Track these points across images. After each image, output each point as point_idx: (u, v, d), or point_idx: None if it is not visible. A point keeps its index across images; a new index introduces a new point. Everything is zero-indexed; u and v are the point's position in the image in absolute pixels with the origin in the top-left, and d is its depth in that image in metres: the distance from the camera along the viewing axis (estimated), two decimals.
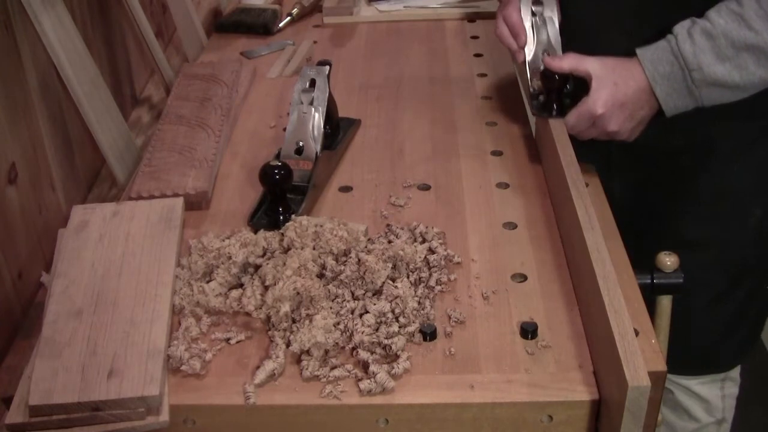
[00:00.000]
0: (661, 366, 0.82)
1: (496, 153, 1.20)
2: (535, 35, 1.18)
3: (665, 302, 1.03)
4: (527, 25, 1.18)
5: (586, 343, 0.86)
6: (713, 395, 1.38)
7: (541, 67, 1.14)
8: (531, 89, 1.17)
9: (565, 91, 1.14)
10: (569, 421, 0.81)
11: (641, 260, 0.98)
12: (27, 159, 1.06)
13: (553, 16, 1.18)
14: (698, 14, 1.02)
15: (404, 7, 1.73)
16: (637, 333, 0.82)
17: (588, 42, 1.12)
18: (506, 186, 1.12)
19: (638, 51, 1.04)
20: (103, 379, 0.80)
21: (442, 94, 1.37)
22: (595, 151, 1.15)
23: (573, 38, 1.17)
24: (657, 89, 1.02)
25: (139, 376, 0.81)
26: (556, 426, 0.81)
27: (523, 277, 0.96)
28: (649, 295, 0.96)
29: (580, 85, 1.09)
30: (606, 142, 1.11)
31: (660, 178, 1.24)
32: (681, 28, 1.01)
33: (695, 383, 1.37)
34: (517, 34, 1.17)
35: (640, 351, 0.75)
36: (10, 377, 0.89)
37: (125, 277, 0.93)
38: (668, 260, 0.99)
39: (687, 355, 1.27)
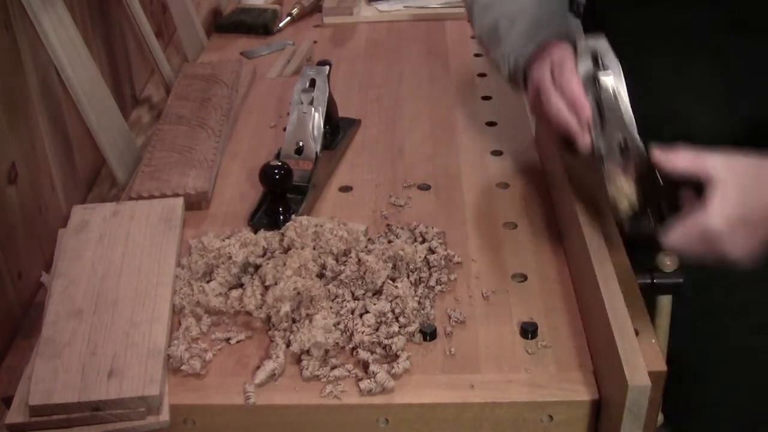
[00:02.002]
0: (661, 366, 0.81)
1: (496, 153, 1.20)
2: (603, 115, 0.87)
3: (665, 302, 1.03)
4: (590, 100, 0.87)
5: (586, 343, 0.86)
6: None
7: (619, 160, 0.85)
8: (615, 194, 0.85)
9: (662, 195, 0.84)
10: (569, 421, 0.81)
11: (641, 260, 0.97)
12: (27, 159, 1.06)
13: (620, 84, 0.87)
14: None
15: (404, 7, 1.73)
16: (637, 333, 0.82)
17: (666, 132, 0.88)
18: (506, 186, 1.12)
19: None
20: (103, 379, 0.80)
21: (442, 94, 1.38)
22: None
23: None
24: None
25: (139, 376, 0.81)
26: (556, 426, 0.81)
27: (523, 277, 0.96)
28: (649, 295, 0.96)
29: (682, 188, 0.82)
30: None
31: None
32: None
33: None
34: (581, 108, 0.86)
35: (640, 351, 0.75)
36: (10, 377, 0.89)
37: (125, 277, 0.93)
38: (668, 260, 0.99)
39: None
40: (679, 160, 0.80)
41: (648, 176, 0.83)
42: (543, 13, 1.01)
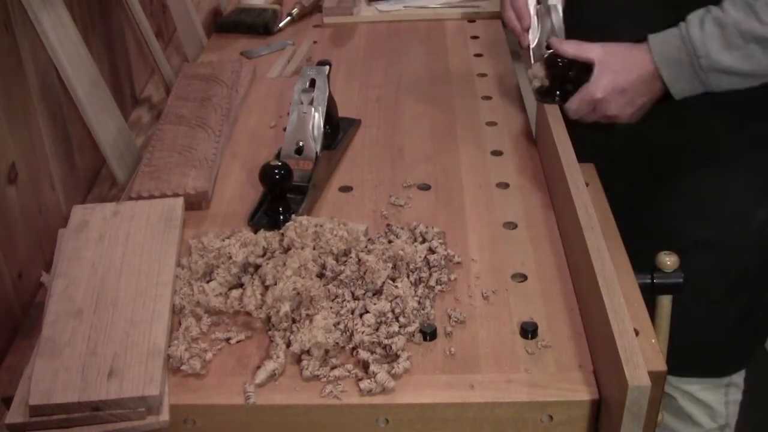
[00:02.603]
0: (661, 366, 0.81)
1: (496, 153, 1.20)
2: (540, 23, 1.22)
3: (665, 302, 1.03)
4: (531, 11, 1.22)
5: (586, 343, 0.86)
6: (717, 401, 1.37)
7: (545, 54, 1.17)
8: (533, 76, 1.19)
9: (567, 78, 1.16)
10: (569, 421, 0.81)
11: (641, 260, 0.97)
12: (27, 159, 1.06)
13: (557, 3, 1.20)
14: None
15: (404, 7, 1.73)
16: (637, 333, 0.82)
17: (599, 36, 1.13)
18: (506, 186, 1.12)
19: (650, 36, 1.06)
20: (103, 379, 0.80)
21: (442, 94, 1.37)
22: (595, 151, 1.15)
23: (583, 31, 1.17)
24: (664, 72, 1.05)
25: (139, 376, 0.80)
26: (556, 426, 0.81)
27: (523, 277, 0.96)
28: (649, 295, 0.96)
29: (583, 72, 1.11)
30: (606, 141, 1.11)
31: (661, 178, 1.24)
32: (694, 16, 1.03)
33: (698, 389, 1.36)
34: (522, 16, 1.22)
35: (640, 351, 0.75)
36: (10, 377, 0.89)
37: (125, 277, 0.93)
38: (668, 260, 0.99)
39: (690, 357, 1.26)
40: (568, 46, 1.12)
41: (549, 59, 1.16)
42: None
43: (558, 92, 1.16)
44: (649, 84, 1.07)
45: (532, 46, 1.22)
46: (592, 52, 1.09)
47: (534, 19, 1.22)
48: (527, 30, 1.22)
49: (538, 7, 1.23)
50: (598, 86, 1.08)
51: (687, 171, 1.21)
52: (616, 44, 1.09)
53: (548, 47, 1.18)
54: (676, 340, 1.05)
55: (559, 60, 1.14)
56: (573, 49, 1.12)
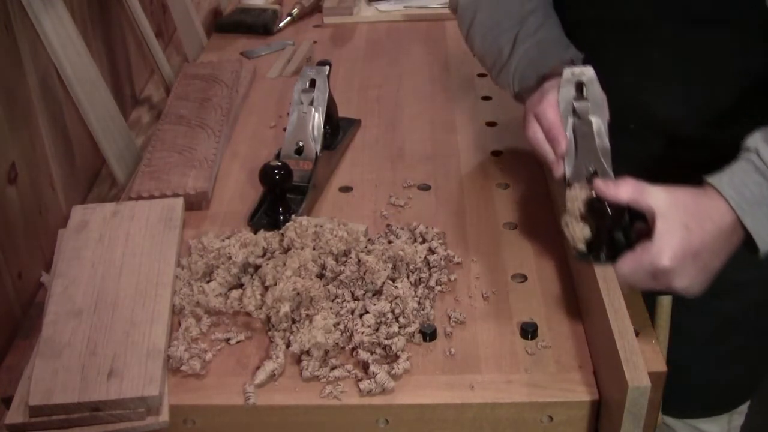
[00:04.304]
0: (661, 366, 0.81)
1: (496, 153, 1.20)
2: (577, 144, 0.90)
3: (665, 302, 1.03)
4: (568, 129, 0.91)
5: (586, 343, 0.86)
6: (720, 429, 1.29)
7: (584, 194, 0.86)
8: (571, 232, 0.87)
9: (617, 224, 0.86)
10: (569, 422, 0.81)
11: None
12: (27, 159, 1.06)
13: (601, 118, 0.90)
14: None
15: (404, 7, 1.73)
16: (637, 333, 0.82)
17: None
18: (506, 186, 1.12)
19: (711, 179, 0.83)
20: (103, 379, 0.80)
21: (442, 94, 1.37)
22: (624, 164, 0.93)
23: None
24: (747, 220, 0.81)
25: (139, 377, 0.80)
26: (556, 426, 0.81)
27: (523, 277, 0.96)
28: (649, 295, 0.96)
29: (637, 217, 0.85)
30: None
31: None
32: (756, 141, 0.83)
33: (700, 421, 1.28)
34: (555, 138, 0.90)
35: (640, 351, 0.75)
36: (10, 377, 0.89)
37: (125, 277, 0.93)
38: None
39: (691, 398, 1.18)
40: (622, 190, 0.83)
41: (594, 204, 0.85)
42: (546, 36, 1.04)
43: (605, 248, 0.85)
44: (728, 239, 0.82)
45: (568, 175, 0.90)
46: (654, 199, 0.81)
47: (570, 137, 0.90)
48: (563, 158, 0.90)
49: (575, 121, 0.91)
50: (665, 250, 0.79)
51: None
52: (681, 189, 0.82)
53: (590, 179, 0.88)
54: (675, 382, 0.91)
55: (608, 209, 0.84)
56: (627, 193, 0.82)
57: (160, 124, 1.26)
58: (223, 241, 0.98)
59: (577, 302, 0.91)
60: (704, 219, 0.80)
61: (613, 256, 0.83)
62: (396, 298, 0.88)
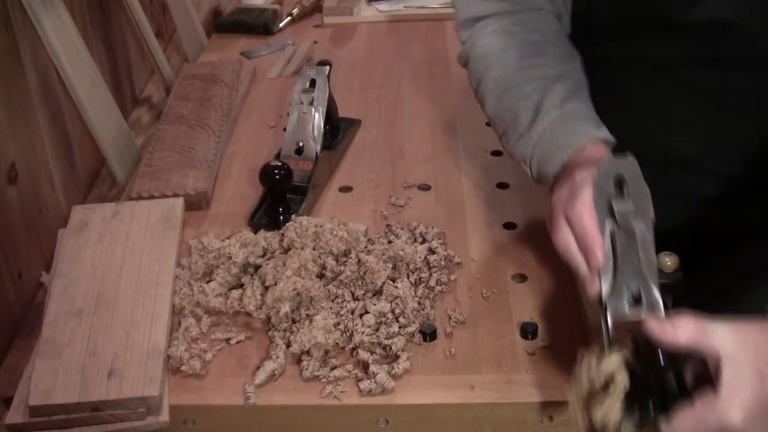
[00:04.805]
0: None
1: (496, 153, 1.20)
2: (617, 256, 0.74)
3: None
4: (606, 237, 0.75)
5: (586, 344, 0.86)
6: None
7: (628, 329, 0.70)
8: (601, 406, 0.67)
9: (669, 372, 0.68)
10: (569, 422, 0.81)
11: None
12: (27, 159, 1.06)
13: (645, 224, 0.74)
14: None
15: (404, 7, 1.73)
16: None
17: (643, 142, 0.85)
18: (506, 186, 1.12)
19: None
20: (103, 379, 0.80)
21: (442, 94, 1.37)
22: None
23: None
24: None
25: (139, 376, 0.80)
26: (557, 426, 0.81)
27: (523, 277, 0.96)
28: None
29: (690, 359, 0.68)
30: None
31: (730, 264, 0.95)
32: None
33: None
34: (590, 248, 0.75)
35: None
36: (10, 377, 0.89)
37: (125, 277, 0.93)
38: (668, 260, 0.98)
39: None
40: (680, 332, 0.67)
41: (648, 350, 0.67)
42: (574, 109, 0.90)
43: (651, 401, 0.67)
44: None
45: (604, 295, 0.74)
46: (719, 339, 0.66)
47: (608, 247, 0.74)
48: (598, 272, 0.75)
49: (614, 227, 0.75)
50: (734, 405, 0.64)
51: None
52: (749, 326, 0.68)
53: (635, 316, 0.71)
54: None
55: (660, 354, 0.66)
56: (689, 336, 0.66)
57: (160, 124, 1.26)
58: (223, 241, 0.98)
59: (577, 302, 0.91)
60: None
61: (664, 407, 0.66)
62: (396, 298, 0.88)
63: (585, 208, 0.76)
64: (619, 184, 0.76)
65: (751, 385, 0.65)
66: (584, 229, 0.75)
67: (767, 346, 0.66)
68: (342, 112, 1.25)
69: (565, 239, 0.78)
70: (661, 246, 0.75)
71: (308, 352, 0.84)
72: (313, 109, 1.13)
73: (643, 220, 0.75)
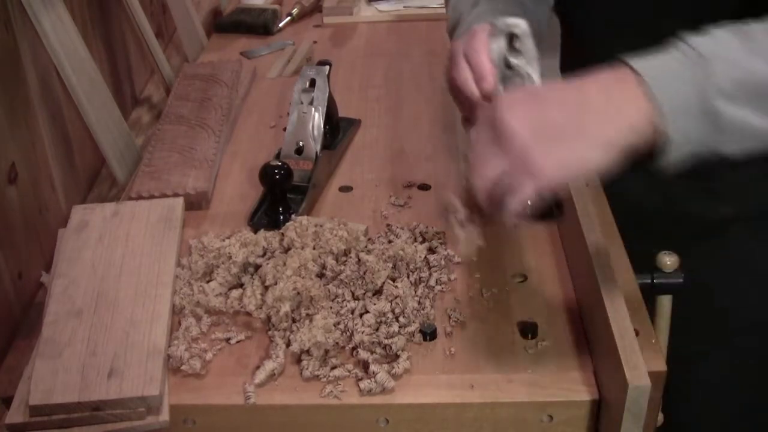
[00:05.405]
0: (661, 366, 0.81)
1: None
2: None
3: (665, 302, 1.03)
4: (498, 80, 0.82)
5: (586, 343, 0.86)
6: None
7: None
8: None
9: None
10: (569, 421, 0.81)
11: (641, 260, 0.97)
12: (27, 159, 1.06)
13: (531, 69, 0.82)
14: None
15: (404, 7, 1.73)
16: (637, 333, 0.82)
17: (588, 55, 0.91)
18: None
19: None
20: (103, 379, 0.80)
21: (442, 94, 1.37)
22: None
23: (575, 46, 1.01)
24: (636, 64, 0.73)
25: (139, 376, 0.81)
26: (557, 426, 0.81)
27: (523, 277, 0.96)
28: (649, 295, 0.96)
29: None
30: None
31: (708, 253, 1.05)
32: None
33: None
34: (482, 74, 0.82)
35: (640, 351, 0.75)
36: (10, 377, 0.89)
37: (125, 277, 0.93)
38: (668, 260, 0.99)
39: None
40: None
41: None
42: (504, 3, 0.96)
43: (556, 204, 0.77)
44: (604, 89, 0.73)
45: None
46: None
47: (499, 84, 0.82)
48: (489, 98, 0.81)
49: (508, 71, 0.83)
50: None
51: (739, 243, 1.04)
52: None
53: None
54: None
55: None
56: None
57: (160, 124, 1.26)
58: (224, 240, 0.98)
59: (577, 302, 0.91)
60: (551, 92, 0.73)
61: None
62: (396, 297, 0.88)
63: (481, 44, 0.82)
64: (511, 40, 0.83)
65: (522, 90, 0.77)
66: (479, 59, 0.82)
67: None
68: (342, 112, 1.25)
69: (464, 74, 0.83)
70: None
71: (308, 352, 0.84)
72: (313, 108, 1.13)
73: (533, 70, 0.82)
